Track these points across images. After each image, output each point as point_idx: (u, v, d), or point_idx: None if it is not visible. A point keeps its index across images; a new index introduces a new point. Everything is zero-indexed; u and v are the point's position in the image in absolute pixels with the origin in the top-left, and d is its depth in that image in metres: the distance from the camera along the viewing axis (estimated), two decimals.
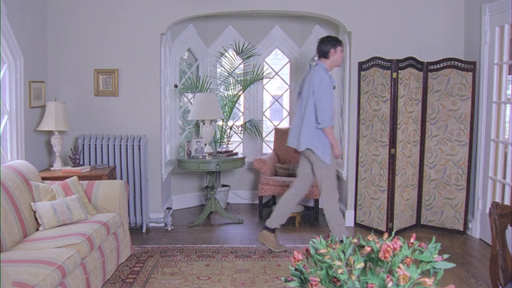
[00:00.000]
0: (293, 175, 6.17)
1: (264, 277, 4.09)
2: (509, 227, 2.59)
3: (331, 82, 4.50)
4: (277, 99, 7.06)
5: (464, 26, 5.50)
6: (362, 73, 5.42)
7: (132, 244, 4.67)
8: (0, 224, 3.36)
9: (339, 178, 6.14)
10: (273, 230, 4.70)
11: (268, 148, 7.07)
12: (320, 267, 1.63)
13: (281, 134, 6.60)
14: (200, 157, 5.59)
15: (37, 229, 3.81)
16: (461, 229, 5.26)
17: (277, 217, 4.71)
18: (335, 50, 4.53)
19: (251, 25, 6.69)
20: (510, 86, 5.07)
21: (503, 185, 4.81)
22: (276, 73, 6.92)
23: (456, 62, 5.17)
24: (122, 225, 4.41)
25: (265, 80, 6.85)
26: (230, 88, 6.60)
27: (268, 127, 7.19)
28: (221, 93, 6.69)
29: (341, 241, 1.68)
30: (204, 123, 5.85)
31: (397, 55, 5.22)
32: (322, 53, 4.56)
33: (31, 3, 5.05)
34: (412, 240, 1.61)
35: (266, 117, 7.07)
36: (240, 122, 6.90)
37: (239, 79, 6.54)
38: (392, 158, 5.13)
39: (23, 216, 3.70)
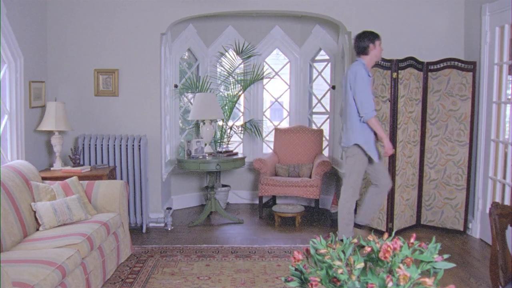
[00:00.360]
0: (293, 175, 6.18)
1: (264, 277, 4.09)
2: (509, 227, 2.59)
3: (368, 75, 4.41)
4: (277, 99, 7.06)
5: (464, 26, 5.50)
6: None
7: (132, 244, 4.67)
8: (0, 224, 3.36)
9: (339, 178, 6.14)
10: (360, 227, 4.67)
11: (268, 148, 7.07)
12: (320, 267, 1.63)
13: (281, 134, 6.60)
14: (200, 157, 5.59)
15: (37, 229, 3.81)
16: (461, 229, 5.26)
17: (364, 215, 4.69)
18: (374, 44, 4.46)
19: (251, 25, 6.69)
20: (510, 86, 5.06)
21: (503, 185, 4.81)
22: (276, 73, 6.92)
23: (456, 62, 5.17)
24: (122, 225, 4.41)
25: (265, 80, 6.85)
26: (230, 88, 6.60)
27: (268, 127, 7.19)
28: (221, 93, 6.69)
29: (341, 240, 1.68)
30: (204, 123, 5.85)
31: (397, 55, 5.22)
32: (361, 50, 4.48)
33: (31, 3, 5.05)
34: (412, 240, 1.61)
35: (266, 117, 7.07)
36: (240, 122, 6.90)
37: (239, 79, 6.54)
38: (392, 158, 5.13)
39: (23, 216, 3.70)
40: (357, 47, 4.51)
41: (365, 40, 4.47)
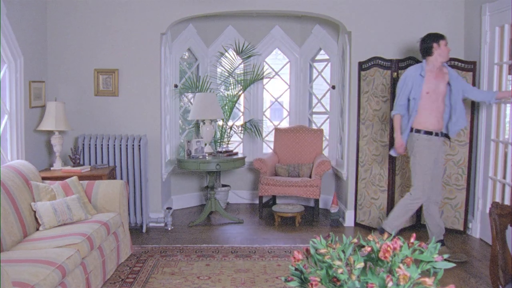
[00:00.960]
0: (293, 175, 6.17)
1: (264, 277, 4.09)
2: (509, 227, 2.59)
3: (419, 75, 4.37)
4: (277, 99, 7.05)
5: (464, 26, 5.50)
6: (362, 73, 5.42)
7: (132, 244, 4.67)
8: (0, 224, 3.36)
9: (339, 178, 6.15)
10: (442, 242, 4.53)
11: (268, 148, 7.07)
12: (320, 267, 1.64)
13: (281, 134, 6.60)
14: (200, 157, 5.59)
15: (37, 229, 3.81)
16: (461, 229, 5.26)
17: (430, 232, 4.56)
18: (438, 44, 4.40)
19: (251, 25, 6.69)
20: (510, 86, 5.06)
21: (503, 185, 4.81)
22: (276, 73, 6.92)
23: (456, 62, 5.17)
24: (122, 225, 4.41)
25: (265, 80, 6.85)
26: (230, 88, 6.60)
27: (268, 127, 7.19)
28: (221, 93, 6.69)
29: (383, 230, 1.69)
30: (204, 123, 5.85)
31: (397, 55, 5.22)
32: (425, 51, 4.44)
33: (31, 3, 5.05)
34: (412, 240, 1.62)
35: (266, 117, 7.07)
36: (240, 122, 6.90)
37: (239, 79, 6.54)
38: (392, 158, 5.13)
39: (23, 216, 3.70)
40: (421, 49, 4.47)
41: (428, 41, 4.43)
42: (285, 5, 5.55)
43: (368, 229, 5.36)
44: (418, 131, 4.42)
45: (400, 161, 5.19)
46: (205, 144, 5.82)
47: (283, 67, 6.98)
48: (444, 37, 4.48)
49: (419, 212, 5.47)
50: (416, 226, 5.48)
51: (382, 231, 4.49)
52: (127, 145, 5.34)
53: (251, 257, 4.56)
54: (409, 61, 5.18)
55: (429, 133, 4.39)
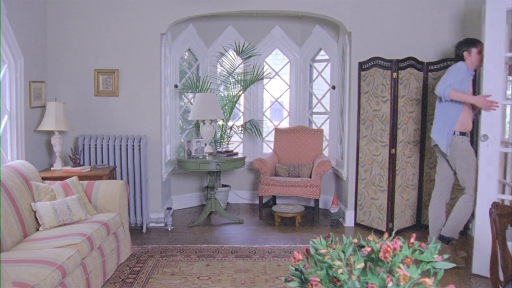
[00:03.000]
0: (293, 175, 6.17)
1: (264, 277, 4.09)
2: (509, 227, 2.59)
3: (467, 69, 4.22)
4: (277, 99, 7.05)
5: (464, 26, 5.49)
6: (362, 73, 5.42)
7: (132, 244, 4.67)
8: (0, 224, 3.36)
9: (339, 178, 6.15)
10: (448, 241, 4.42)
11: (268, 148, 7.07)
12: (320, 267, 1.64)
13: (281, 134, 6.60)
14: (200, 157, 5.59)
15: (37, 229, 3.81)
16: (461, 229, 5.25)
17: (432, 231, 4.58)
18: (469, 52, 4.28)
19: (251, 25, 6.69)
20: (510, 86, 5.06)
21: (503, 185, 4.81)
22: (276, 73, 6.92)
23: None
24: (122, 225, 4.41)
25: (265, 80, 6.85)
26: (230, 88, 6.60)
27: (268, 127, 7.19)
28: (221, 93, 6.69)
29: (444, 238, 1.68)
30: (204, 123, 5.85)
31: (397, 55, 5.22)
32: (458, 57, 4.35)
33: (31, 3, 5.05)
34: (412, 240, 1.62)
35: (266, 117, 7.07)
36: (240, 122, 6.90)
37: (239, 79, 6.54)
38: (392, 158, 5.13)
39: (23, 216, 3.70)
40: (455, 55, 4.39)
41: (460, 48, 4.33)
42: (285, 5, 5.55)
43: (368, 229, 5.36)
44: (462, 133, 4.34)
45: (400, 161, 5.19)
46: (205, 144, 5.82)
47: (283, 67, 6.98)
48: (477, 44, 4.30)
49: (419, 213, 5.48)
50: (416, 226, 5.48)
51: (449, 240, 4.34)
52: (127, 145, 5.34)
53: (251, 257, 4.56)
54: (409, 61, 5.19)
55: (464, 134, 4.36)
